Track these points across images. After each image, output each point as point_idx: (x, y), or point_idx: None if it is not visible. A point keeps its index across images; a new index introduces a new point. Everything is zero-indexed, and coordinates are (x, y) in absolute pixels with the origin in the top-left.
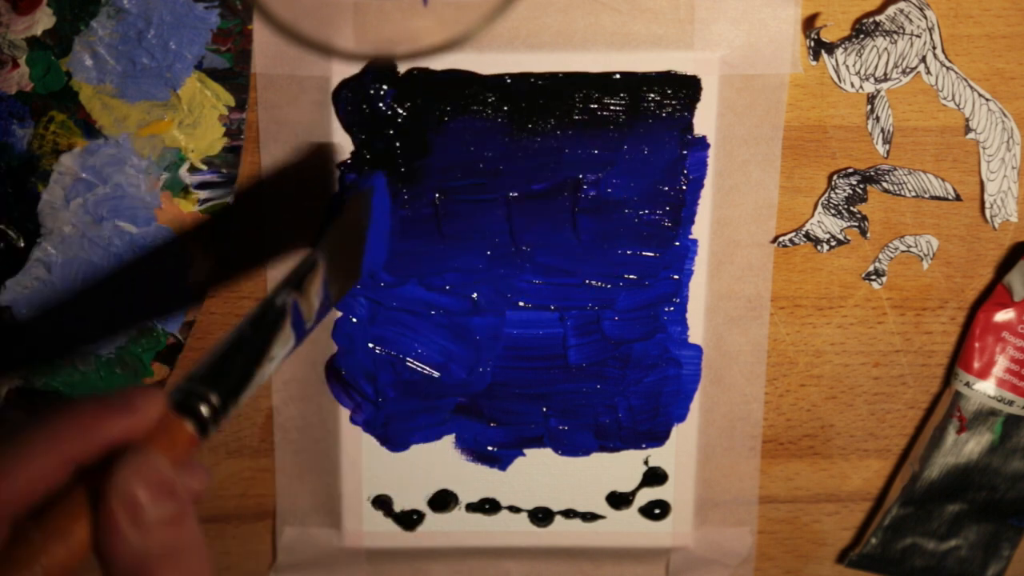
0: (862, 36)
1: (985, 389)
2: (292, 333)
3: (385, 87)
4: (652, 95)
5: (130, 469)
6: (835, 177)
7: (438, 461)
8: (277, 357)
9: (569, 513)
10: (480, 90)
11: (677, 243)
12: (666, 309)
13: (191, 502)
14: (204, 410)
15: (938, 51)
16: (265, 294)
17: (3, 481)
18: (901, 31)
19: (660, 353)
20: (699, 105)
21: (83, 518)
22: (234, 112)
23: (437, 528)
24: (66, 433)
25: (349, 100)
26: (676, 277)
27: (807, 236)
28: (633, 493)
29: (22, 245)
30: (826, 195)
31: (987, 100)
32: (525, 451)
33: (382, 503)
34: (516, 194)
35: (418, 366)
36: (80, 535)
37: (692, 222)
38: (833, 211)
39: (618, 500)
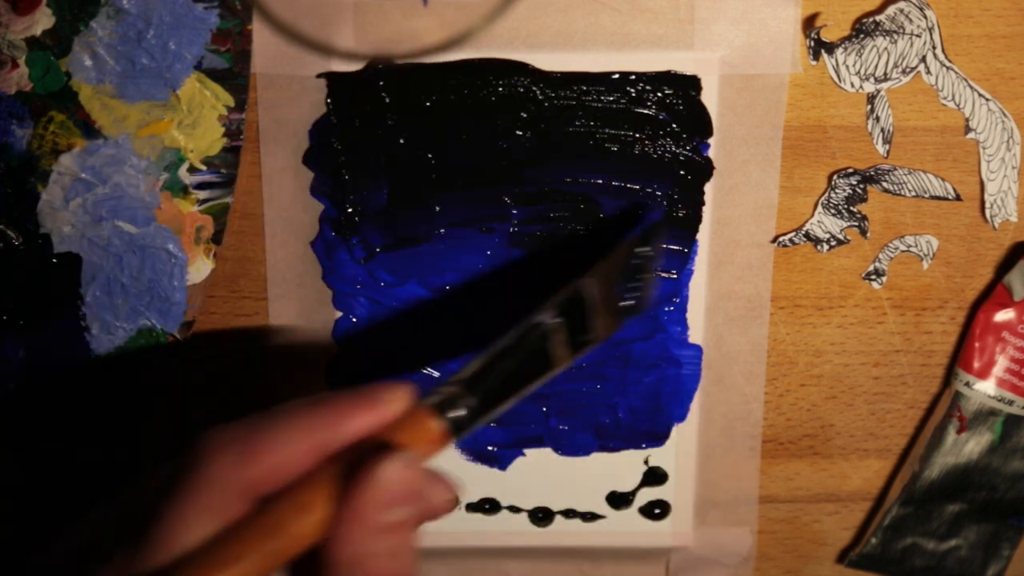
0: (862, 36)
1: (985, 389)
2: (566, 353)
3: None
4: (652, 95)
5: (392, 466)
6: (835, 177)
7: (438, 461)
8: (534, 376)
9: (569, 513)
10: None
11: None
12: (666, 309)
13: (428, 511)
14: (458, 411)
15: (938, 51)
16: (265, 296)
17: (258, 461)
18: (901, 31)
19: (660, 353)
20: None
21: (327, 500)
22: (234, 112)
23: (437, 528)
24: (318, 422)
25: (348, 99)
26: (676, 277)
27: (807, 236)
28: (633, 493)
29: (21, 245)
30: (826, 195)
31: (987, 100)
32: (525, 451)
33: None
34: (517, 191)
35: (418, 366)
36: (322, 514)
37: None
38: (833, 211)
39: (618, 500)
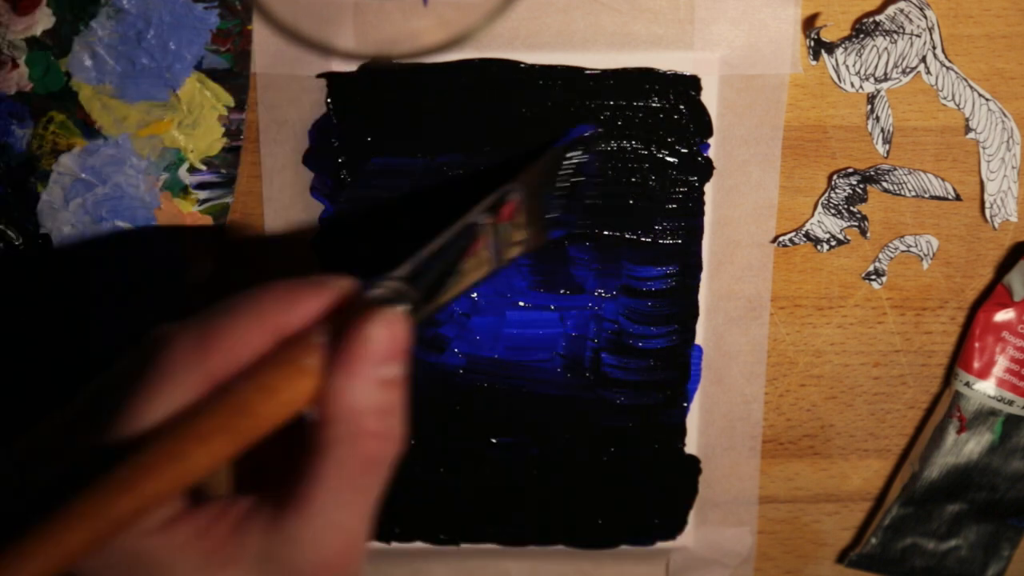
0: (862, 36)
1: (985, 389)
2: (489, 256)
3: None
4: (652, 95)
5: (379, 322)
6: (835, 177)
7: None
8: (467, 273)
9: None
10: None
11: None
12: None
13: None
14: (403, 304)
15: (938, 51)
16: None
17: (215, 345)
18: (901, 31)
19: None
20: None
21: (291, 378)
22: (234, 112)
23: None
24: (270, 304)
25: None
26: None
27: (807, 236)
28: None
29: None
30: (826, 195)
31: (987, 100)
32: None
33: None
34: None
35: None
36: (286, 395)
37: None
38: (833, 211)
39: None
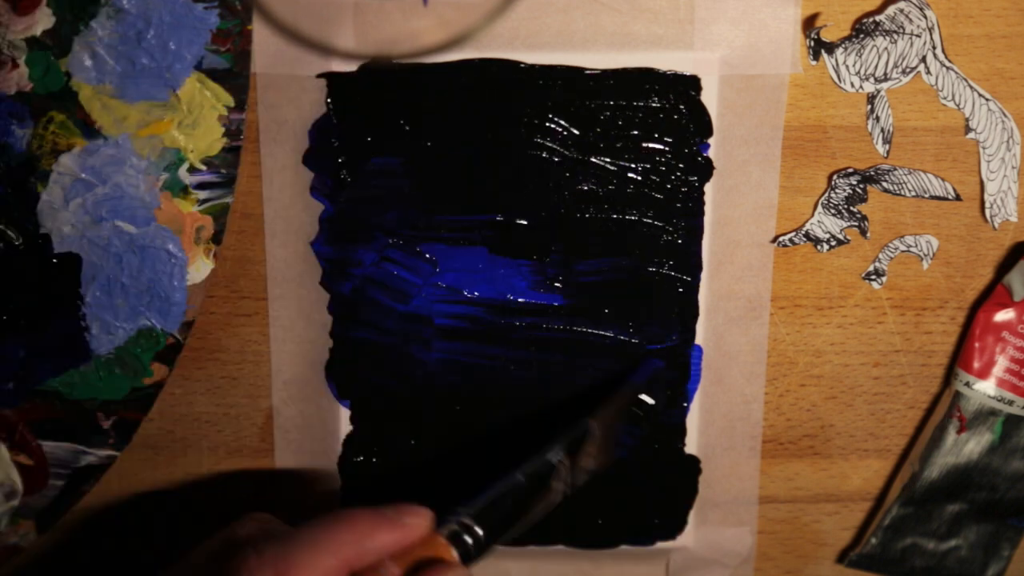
0: (862, 36)
1: (985, 389)
2: (561, 491)
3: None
4: (652, 95)
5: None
6: (835, 177)
7: None
8: (539, 510)
9: None
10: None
11: None
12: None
13: None
14: (468, 540)
15: (938, 51)
16: (265, 296)
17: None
18: (901, 31)
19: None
20: None
21: None
22: (234, 112)
23: None
24: (347, 538)
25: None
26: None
27: (807, 236)
28: None
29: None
30: (826, 195)
31: (987, 100)
32: None
33: None
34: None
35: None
36: None
37: None
38: (833, 211)
39: None
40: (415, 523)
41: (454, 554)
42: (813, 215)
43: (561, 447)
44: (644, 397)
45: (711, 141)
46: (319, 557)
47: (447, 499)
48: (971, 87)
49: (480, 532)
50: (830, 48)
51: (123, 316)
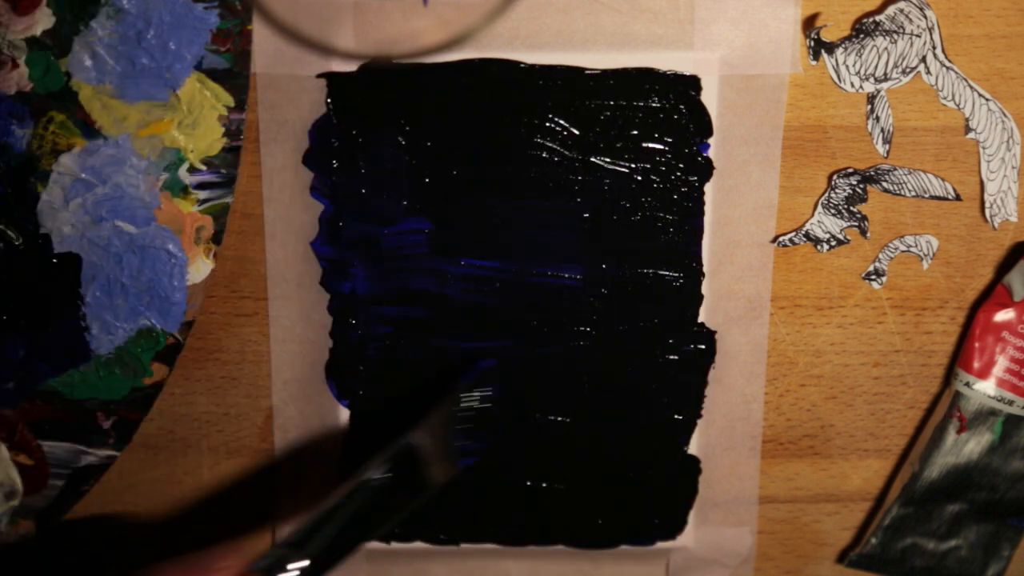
0: (862, 36)
1: (985, 389)
2: (394, 507)
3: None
4: (652, 95)
5: None
6: (835, 177)
7: None
8: (368, 531)
9: None
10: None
11: None
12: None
13: None
14: (289, 574)
15: (938, 51)
16: (265, 296)
17: None
18: (901, 31)
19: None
20: None
21: None
22: (234, 112)
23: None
24: None
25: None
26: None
27: (807, 236)
28: None
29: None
30: (826, 195)
31: (987, 100)
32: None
33: None
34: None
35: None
36: None
37: None
38: (833, 211)
39: None
40: (224, 567)
41: None
42: (813, 215)
43: (381, 464)
44: (468, 395)
45: (711, 141)
46: None
47: (445, 494)
48: (971, 87)
49: (300, 563)
50: (830, 48)
51: (123, 316)
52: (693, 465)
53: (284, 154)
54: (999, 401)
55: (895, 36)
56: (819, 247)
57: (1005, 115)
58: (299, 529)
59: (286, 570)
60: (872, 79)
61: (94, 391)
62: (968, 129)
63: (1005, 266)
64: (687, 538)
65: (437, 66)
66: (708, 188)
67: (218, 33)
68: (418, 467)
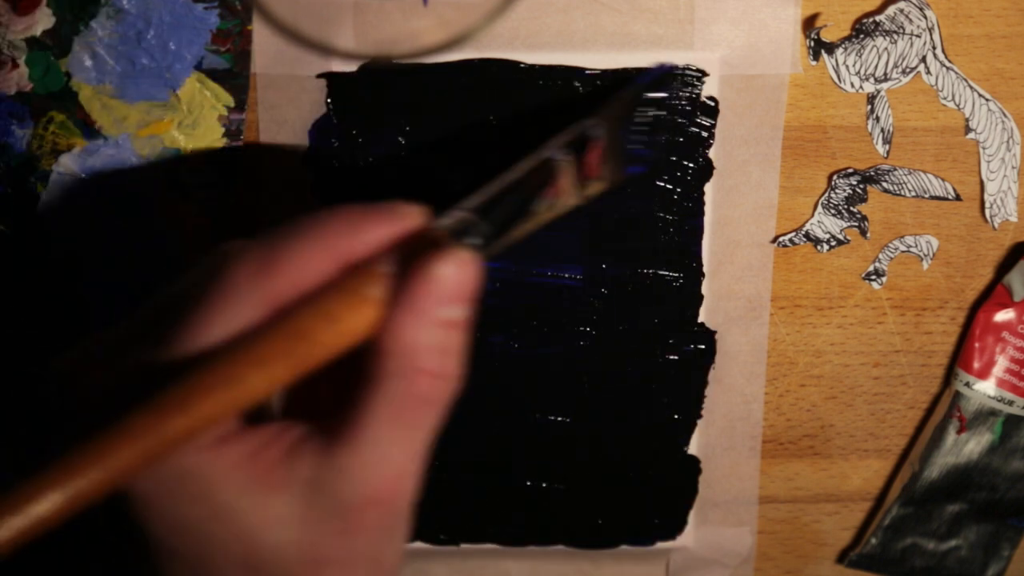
0: (862, 36)
1: (985, 389)
2: (569, 194)
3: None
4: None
5: (449, 262)
6: (835, 177)
7: None
8: (543, 211)
9: None
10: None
11: None
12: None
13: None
14: (472, 235)
15: (938, 51)
16: None
17: (279, 269)
18: (901, 31)
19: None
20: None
21: (354, 307)
22: (234, 112)
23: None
24: (337, 232)
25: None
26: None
27: (807, 236)
28: None
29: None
30: (826, 195)
31: (987, 100)
32: None
33: None
34: None
35: None
36: (347, 324)
37: None
38: (833, 211)
39: None
40: (409, 213)
41: (456, 246)
42: (813, 215)
43: (561, 145)
44: (650, 94)
45: (711, 141)
46: (307, 251)
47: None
48: (971, 87)
49: (484, 227)
50: (830, 48)
51: (123, 316)
52: (693, 465)
53: (284, 154)
54: (999, 401)
55: (895, 36)
56: (819, 247)
57: (1005, 115)
58: (483, 196)
59: (470, 235)
60: (872, 79)
61: None
62: (968, 129)
63: (1005, 266)
64: (687, 538)
65: (437, 66)
66: (708, 188)
67: (218, 33)
68: (592, 155)
